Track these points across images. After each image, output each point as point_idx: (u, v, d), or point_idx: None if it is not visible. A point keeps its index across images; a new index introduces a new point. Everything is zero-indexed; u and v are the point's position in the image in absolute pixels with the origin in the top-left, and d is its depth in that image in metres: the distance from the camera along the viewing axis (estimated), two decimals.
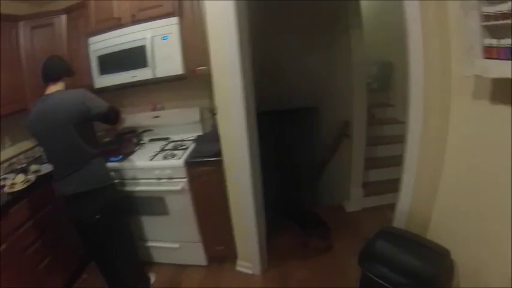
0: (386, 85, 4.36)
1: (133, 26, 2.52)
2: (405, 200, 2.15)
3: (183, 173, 2.46)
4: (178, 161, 2.47)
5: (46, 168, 2.69)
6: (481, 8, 1.36)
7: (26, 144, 3.10)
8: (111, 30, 2.59)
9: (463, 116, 1.77)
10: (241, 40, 2.09)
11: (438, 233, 2.00)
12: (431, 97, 1.86)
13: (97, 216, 2.19)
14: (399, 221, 2.19)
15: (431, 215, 2.07)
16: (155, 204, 2.59)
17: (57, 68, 2.16)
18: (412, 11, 1.77)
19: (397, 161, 3.52)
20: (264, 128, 2.60)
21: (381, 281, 1.81)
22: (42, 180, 2.55)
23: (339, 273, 2.55)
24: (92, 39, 2.67)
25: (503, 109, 1.45)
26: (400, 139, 3.75)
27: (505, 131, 1.43)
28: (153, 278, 2.69)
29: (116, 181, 2.40)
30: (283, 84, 3.16)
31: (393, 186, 3.03)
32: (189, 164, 2.47)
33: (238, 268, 2.73)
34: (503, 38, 1.30)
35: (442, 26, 1.74)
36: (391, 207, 3.02)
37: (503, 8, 1.26)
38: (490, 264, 1.58)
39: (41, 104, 2.07)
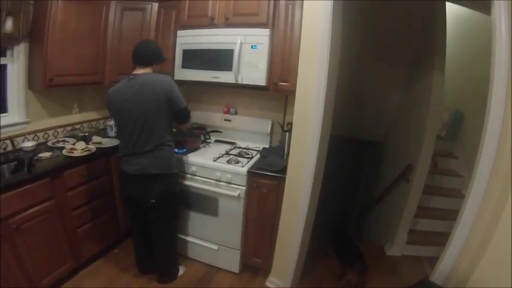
0: (454, 135, 4.19)
1: (225, 29, 2.58)
2: (450, 257, 2.03)
3: (243, 180, 2.49)
4: (242, 168, 2.50)
5: (108, 142, 2.82)
6: None
7: (92, 115, 3.28)
8: (202, 28, 2.67)
9: None
10: (332, 64, 2.09)
11: None
12: (500, 160, 1.77)
13: (153, 201, 2.27)
14: (439, 276, 2.07)
15: (471, 274, 1.96)
16: (208, 203, 2.63)
17: (151, 53, 2.25)
18: (501, 69, 1.66)
19: (448, 214, 3.44)
20: (327, 151, 2.57)
21: None
22: (102, 152, 2.67)
23: None
24: (181, 32, 2.77)
25: None
26: (456, 193, 3.70)
27: None
28: (182, 271, 2.74)
29: (177, 172, 2.46)
30: (354, 112, 3.12)
31: (438, 239, 2.94)
32: (251, 174, 2.49)
33: (268, 284, 2.71)
34: None
35: None
36: (430, 259, 2.93)
37: None
38: None
39: (128, 82, 2.16)
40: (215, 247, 2.77)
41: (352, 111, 3.17)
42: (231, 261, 2.78)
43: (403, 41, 3.15)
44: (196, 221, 2.77)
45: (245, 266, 2.84)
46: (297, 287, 2.70)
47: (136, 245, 2.60)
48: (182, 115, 2.31)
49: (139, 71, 2.20)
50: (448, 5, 2.90)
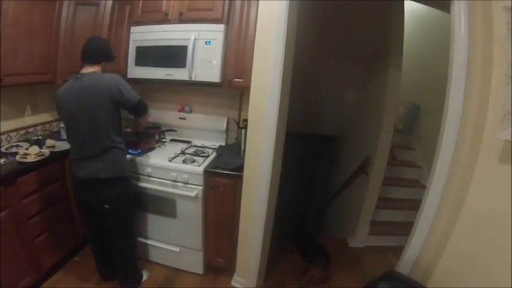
0: (411, 127, 4.32)
1: (179, 25, 2.51)
2: (415, 247, 2.10)
3: (200, 180, 2.43)
4: (198, 168, 2.44)
5: (61, 145, 2.68)
6: None
7: (45, 117, 3.11)
8: (156, 24, 2.58)
9: (487, 175, 1.74)
10: (286, 61, 2.08)
11: (441, 281, 1.96)
12: (460, 152, 1.83)
13: (106, 206, 2.18)
14: (405, 266, 2.14)
15: (437, 263, 2.02)
16: (165, 205, 2.55)
17: (100, 51, 2.15)
18: (459, 64, 1.73)
19: (408, 204, 3.54)
20: (284, 148, 2.56)
21: None
22: (56, 156, 2.54)
23: None
24: (134, 29, 2.67)
25: None
26: (414, 183, 3.82)
27: None
28: (145, 276, 2.66)
29: (130, 174, 2.37)
30: (313, 108, 3.13)
31: (400, 229, 3.02)
32: (208, 173, 2.44)
33: (233, 283, 2.68)
34: None
35: (484, 87, 1.71)
36: (393, 249, 3.01)
37: None
38: None
39: (75, 82, 2.06)
40: (177, 249, 2.70)
41: (312, 108, 3.18)
42: (194, 262, 2.72)
43: (360, 40, 3.19)
44: (155, 223, 2.69)
45: (209, 266, 2.80)
46: (262, 286, 2.69)
47: (95, 252, 2.50)
48: (138, 109, 2.23)
49: (87, 69, 2.10)
50: (407, 3, 2.98)
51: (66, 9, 2.72)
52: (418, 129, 4.25)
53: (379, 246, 3.41)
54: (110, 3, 2.76)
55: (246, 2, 2.41)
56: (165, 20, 2.56)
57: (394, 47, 3.01)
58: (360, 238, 3.44)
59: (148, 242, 2.77)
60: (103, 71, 2.17)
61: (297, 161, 3.11)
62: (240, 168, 2.39)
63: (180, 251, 2.70)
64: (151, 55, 2.62)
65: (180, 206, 2.53)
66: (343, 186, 3.38)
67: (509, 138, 1.47)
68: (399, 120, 4.34)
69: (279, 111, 2.12)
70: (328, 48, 3.19)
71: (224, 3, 2.42)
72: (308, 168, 3.17)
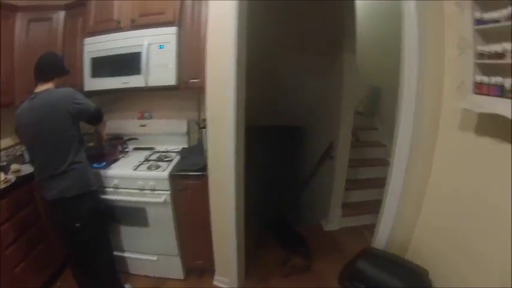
0: (373, 109, 4.46)
1: (132, 31, 2.49)
2: (386, 222, 2.17)
3: (166, 185, 2.42)
4: (163, 173, 2.43)
5: (27, 168, 2.58)
6: (476, 46, 1.44)
7: (7, 142, 2.96)
8: (109, 33, 2.55)
9: (449, 145, 1.84)
10: (239, 56, 2.10)
11: (418, 255, 2.04)
12: (420, 125, 1.91)
13: (77, 224, 2.13)
14: (380, 242, 2.21)
15: (411, 237, 2.12)
16: (136, 215, 2.52)
17: (51, 67, 2.11)
18: (411, 43, 1.81)
19: (376, 183, 3.65)
20: (250, 143, 2.59)
21: None
22: (23, 180, 2.45)
23: None
24: (88, 40, 2.62)
25: (487, 141, 1.56)
26: (381, 162, 3.95)
27: (489, 160, 1.56)
28: None
29: (97, 188, 2.32)
30: (277, 101, 3.17)
31: (372, 207, 3.12)
32: (174, 177, 2.43)
33: (216, 283, 2.69)
34: (494, 76, 1.38)
35: (438, 60, 1.81)
36: (369, 227, 3.10)
37: (498, 48, 1.34)
38: (475, 283, 1.64)
39: (29, 102, 2.02)
40: (154, 258, 2.67)
41: (277, 101, 3.22)
42: (174, 268, 2.71)
43: (318, 31, 3.26)
44: (128, 235, 2.64)
45: (190, 270, 2.79)
46: (245, 281, 2.72)
47: (76, 272, 2.43)
48: (96, 117, 2.21)
49: (40, 87, 2.05)
50: None
51: (19, 27, 2.65)
52: (380, 110, 4.40)
53: (354, 226, 3.52)
54: (62, 16, 2.72)
55: (196, 2, 2.42)
56: (117, 28, 2.53)
57: (348, 33, 3.10)
58: (334, 221, 3.52)
59: (125, 254, 2.72)
60: (59, 86, 2.12)
61: (267, 154, 3.15)
62: (204, 168, 2.40)
63: (157, 259, 2.67)
64: (106, 65, 2.58)
65: (151, 213, 2.50)
66: (312, 174, 3.45)
67: (468, 107, 1.55)
68: (360, 103, 4.47)
69: (237, 106, 2.15)
70: (290, 41, 3.23)
71: (175, 4, 2.42)
72: (278, 160, 3.21)
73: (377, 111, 4.46)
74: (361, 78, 3.93)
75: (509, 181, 1.43)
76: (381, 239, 2.20)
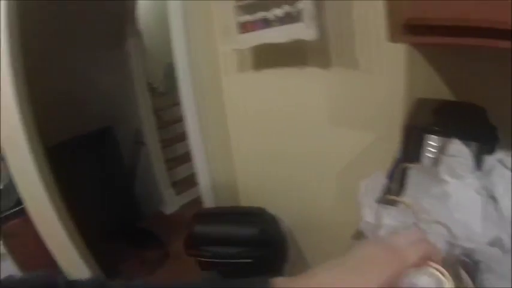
0: (172, 86, 4.45)
1: None
2: (205, 180, 2.25)
3: None
4: None
5: None
6: None
7: None
8: None
9: (234, 87, 2.02)
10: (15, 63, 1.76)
11: (249, 198, 2.22)
12: (199, 76, 2.02)
13: None
14: (207, 200, 2.30)
15: (237, 184, 2.27)
16: None
17: None
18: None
19: None
20: (61, 162, 2.25)
21: (217, 260, 1.93)
22: None
23: (187, 272, 2.49)
24: None
25: (264, 73, 1.79)
26: None
27: (270, 88, 1.82)
28: None
29: None
30: (71, 109, 2.72)
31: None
32: None
33: None
34: (256, 12, 1.54)
35: (204, 9, 1.90)
36: None
37: None
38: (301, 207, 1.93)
39: None
40: None
41: (70, 110, 2.79)
42: None
43: (95, 22, 2.95)
44: None
45: None
46: None
47: None
48: None
49: None
50: None
51: None
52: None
53: (193, 199, 3.57)
54: None
55: None
56: None
57: (128, 18, 3.02)
58: (172, 202, 3.54)
59: None
60: None
61: (81, 167, 2.80)
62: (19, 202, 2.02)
63: None
64: None
65: None
66: (130, 166, 3.29)
67: (236, 46, 1.70)
68: (160, 83, 4.44)
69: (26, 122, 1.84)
70: (73, 39, 2.82)
71: None
72: (93, 168, 2.91)
73: (178, 87, 4.46)
74: (156, 58, 3.89)
75: (293, 99, 1.72)
76: (207, 196, 2.29)
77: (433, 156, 0.99)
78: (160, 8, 4.24)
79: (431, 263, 0.36)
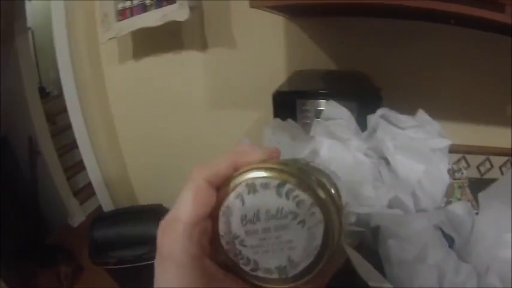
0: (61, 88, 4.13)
1: None
2: (97, 182, 2.25)
3: None
4: None
5: None
6: None
7: None
8: None
9: (116, 77, 1.97)
10: None
11: (146, 194, 2.20)
12: (82, 71, 1.99)
13: None
14: (105, 203, 2.29)
15: (131, 182, 2.23)
16: None
17: None
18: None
19: None
20: None
21: (125, 265, 1.84)
22: None
23: (103, 284, 2.39)
24: None
25: (145, 60, 1.79)
26: None
27: (151, 76, 1.81)
28: None
29: None
30: None
31: None
32: None
33: None
34: None
35: (88, 6, 1.82)
36: None
37: None
38: None
39: None
40: None
41: None
42: None
43: None
44: None
45: None
46: None
47: None
48: None
49: None
50: None
51: None
52: None
53: (98, 206, 3.41)
54: None
55: None
56: None
57: (18, 14, 2.66)
58: (77, 213, 3.31)
59: None
60: None
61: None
62: None
63: None
64: None
65: None
66: (31, 181, 3.02)
67: (112, 35, 1.63)
68: (53, 85, 4.02)
69: None
70: None
71: None
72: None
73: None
74: (48, 58, 3.54)
75: (174, 85, 1.74)
76: (103, 199, 2.27)
77: (308, 121, 0.93)
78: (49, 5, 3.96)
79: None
